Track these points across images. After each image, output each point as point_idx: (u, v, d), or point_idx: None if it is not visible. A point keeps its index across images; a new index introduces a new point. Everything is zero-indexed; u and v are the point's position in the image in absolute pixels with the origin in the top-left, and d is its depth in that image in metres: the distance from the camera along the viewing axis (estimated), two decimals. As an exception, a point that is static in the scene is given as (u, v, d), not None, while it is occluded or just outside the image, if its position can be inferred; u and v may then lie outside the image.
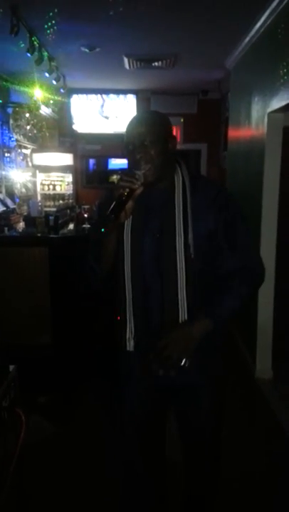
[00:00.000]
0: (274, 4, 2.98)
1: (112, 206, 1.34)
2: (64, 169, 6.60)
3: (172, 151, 1.43)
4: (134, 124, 1.41)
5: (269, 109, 3.21)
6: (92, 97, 6.32)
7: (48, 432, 2.66)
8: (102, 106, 6.37)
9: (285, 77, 2.86)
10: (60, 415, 2.90)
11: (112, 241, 1.45)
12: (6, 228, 3.97)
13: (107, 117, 6.40)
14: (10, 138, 5.23)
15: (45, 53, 3.94)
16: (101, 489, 2.22)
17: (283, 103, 2.90)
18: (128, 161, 1.41)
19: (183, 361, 1.38)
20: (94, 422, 2.76)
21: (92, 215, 4.41)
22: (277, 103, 3.03)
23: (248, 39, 3.73)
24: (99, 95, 6.32)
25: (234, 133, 4.59)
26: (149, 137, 1.37)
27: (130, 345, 1.47)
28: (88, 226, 4.09)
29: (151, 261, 1.42)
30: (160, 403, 1.57)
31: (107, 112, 6.39)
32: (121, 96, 6.31)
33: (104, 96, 6.32)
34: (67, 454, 2.50)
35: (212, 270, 1.44)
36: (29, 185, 6.10)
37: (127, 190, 1.33)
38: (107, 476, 2.26)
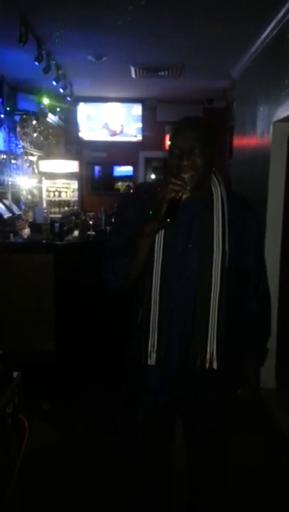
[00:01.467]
0: (280, 15, 3.01)
1: (164, 210, 1.29)
2: (70, 176, 6.64)
3: (214, 164, 1.42)
4: (186, 128, 1.36)
5: (274, 119, 3.22)
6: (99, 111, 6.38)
7: (50, 439, 2.65)
8: (107, 124, 6.42)
9: (291, 87, 2.88)
10: (63, 422, 2.89)
11: (147, 245, 1.37)
12: (11, 234, 4.00)
13: (114, 134, 6.46)
14: (17, 145, 5.28)
15: (53, 62, 3.99)
16: (103, 496, 2.20)
17: (288, 112, 2.91)
18: (171, 163, 1.36)
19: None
20: (96, 429, 2.75)
21: (98, 222, 4.43)
22: (282, 112, 3.05)
23: (253, 49, 3.76)
24: (104, 110, 6.37)
25: (239, 141, 4.60)
26: (200, 145, 1.33)
27: (152, 359, 1.42)
28: (93, 233, 4.10)
29: (183, 272, 1.38)
30: (170, 415, 1.55)
31: (113, 127, 6.44)
32: (126, 105, 6.37)
33: (107, 115, 6.38)
34: (70, 461, 2.49)
35: (240, 284, 1.47)
36: (35, 191, 6.14)
37: (180, 194, 1.30)
38: (110, 483, 2.25)
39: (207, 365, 1.40)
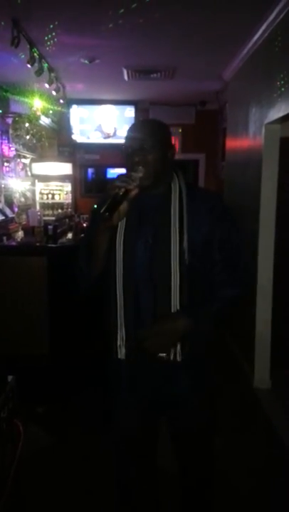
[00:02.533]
0: (271, 17, 3.03)
1: (106, 204, 1.34)
2: (63, 178, 6.64)
3: (171, 159, 1.45)
4: (134, 128, 1.44)
5: (266, 120, 3.25)
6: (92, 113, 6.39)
7: (45, 442, 2.65)
8: (101, 126, 6.43)
9: (282, 89, 2.90)
10: (58, 425, 2.88)
11: (103, 242, 1.43)
12: (4, 237, 3.99)
13: (107, 136, 6.46)
14: (9, 147, 5.27)
15: (45, 64, 3.99)
16: (99, 499, 2.20)
17: (280, 114, 2.94)
18: (126, 164, 1.41)
19: (162, 354, 1.40)
20: (91, 432, 2.74)
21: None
22: (274, 114, 3.07)
23: (245, 51, 3.78)
24: (97, 112, 6.37)
25: (232, 143, 4.63)
26: (148, 142, 1.38)
27: (121, 353, 1.46)
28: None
29: (143, 267, 1.41)
30: (151, 412, 1.55)
31: (106, 129, 6.45)
32: (119, 108, 6.38)
33: (101, 117, 6.39)
34: (65, 464, 2.48)
35: (204, 276, 1.44)
36: (28, 194, 6.13)
37: (123, 189, 1.34)
38: (105, 486, 2.24)
39: (171, 357, 1.41)
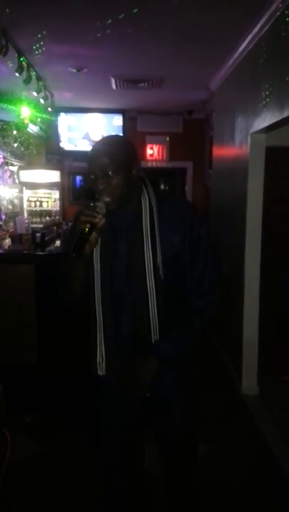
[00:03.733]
0: (256, 29, 3.10)
1: (73, 243, 1.32)
2: (51, 186, 6.63)
3: (136, 176, 1.42)
4: (96, 153, 1.36)
5: (252, 130, 3.30)
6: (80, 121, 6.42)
7: (33, 452, 2.62)
8: (88, 134, 6.46)
9: (267, 99, 2.96)
10: (45, 434, 2.86)
11: (79, 271, 1.44)
12: (-9, 245, 3.96)
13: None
14: (-3, 155, 5.25)
15: (34, 73, 4.00)
16: (86, 508, 2.18)
17: (266, 124, 2.99)
18: (92, 187, 1.39)
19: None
20: (80, 442, 2.73)
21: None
22: (259, 124, 3.13)
23: (231, 61, 3.85)
24: (85, 121, 6.41)
25: (219, 152, 4.69)
26: (111, 168, 1.33)
27: (102, 369, 1.48)
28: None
29: (121, 283, 1.43)
30: (135, 423, 1.57)
31: (94, 137, 6.49)
32: (107, 116, 6.42)
33: (88, 125, 6.42)
34: (53, 474, 2.46)
35: (179, 286, 1.46)
36: (16, 201, 6.10)
37: (88, 225, 1.31)
38: (93, 495, 2.23)
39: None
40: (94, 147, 1.39)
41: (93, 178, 1.37)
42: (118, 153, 1.36)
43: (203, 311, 1.46)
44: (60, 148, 6.60)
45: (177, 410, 1.52)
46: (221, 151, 4.52)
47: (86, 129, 6.48)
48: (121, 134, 1.59)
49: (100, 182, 1.35)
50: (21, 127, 5.41)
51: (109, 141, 1.41)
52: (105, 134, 6.98)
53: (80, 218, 1.33)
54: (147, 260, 1.40)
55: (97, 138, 6.43)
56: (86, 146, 6.54)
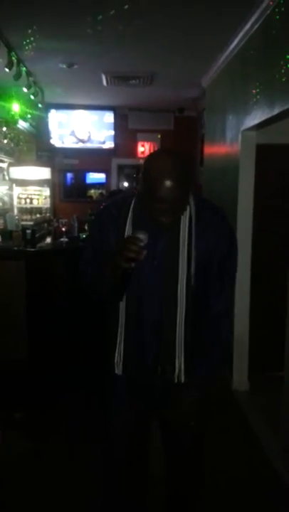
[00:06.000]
0: (247, 27, 3.11)
1: (120, 282, 1.32)
2: (41, 183, 6.60)
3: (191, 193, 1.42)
4: (166, 182, 1.28)
5: (243, 127, 3.31)
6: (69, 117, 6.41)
7: (24, 448, 2.61)
8: (74, 132, 6.46)
9: (258, 97, 2.97)
10: (36, 431, 2.85)
11: (112, 278, 1.40)
12: (-18, 242, 3.93)
13: (83, 141, 6.50)
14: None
15: (24, 69, 3.98)
16: (77, 505, 2.19)
17: (256, 121, 3.00)
18: (147, 201, 1.34)
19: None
20: (70, 438, 2.73)
21: (71, 229, 4.41)
22: (250, 121, 3.14)
23: (222, 59, 3.86)
24: (75, 117, 6.40)
25: (210, 150, 4.70)
26: (178, 196, 1.32)
27: (118, 369, 1.48)
28: (66, 240, 4.08)
29: (149, 287, 1.41)
30: (145, 423, 1.57)
31: (79, 135, 6.48)
32: (98, 113, 6.41)
33: (74, 122, 6.41)
34: (44, 470, 2.45)
35: (205, 294, 1.45)
36: (6, 198, 6.06)
37: (132, 264, 1.30)
38: (83, 492, 2.23)
39: (176, 380, 1.44)
40: (162, 172, 1.30)
41: (157, 198, 1.30)
42: (186, 183, 1.33)
43: (217, 327, 1.48)
44: (51, 145, 6.57)
45: (188, 413, 1.49)
46: (212, 149, 4.53)
47: (72, 127, 6.48)
48: (178, 152, 1.55)
49: (166, 208, 1.31)
50: (11, 123, 5.38)
51: (178, 171, 1.32)
52: (92, 131, 6.99)
53: (123, 253, 1.30)
54: (181, 266, 1.39)
55: (83, 135, 6.43)
56: (73, 143, 6.54)
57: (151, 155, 1.44)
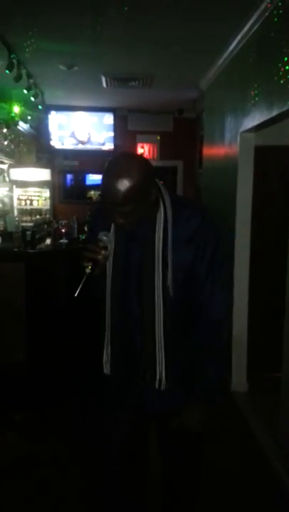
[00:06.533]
0: (246, 28, 3.12)
1: (79, 288, 1.32)
2: (41, 184, 6.61)
3: (154, 197, 1.36)
4: (114, 190, 1.25)
5: (241, 129, 3.33)
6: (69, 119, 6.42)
7: (23, 450, 2.62)
8: (74, 133, 6.47)
9: (256, 99, 2.98)
10: (35, 433, 2.85)
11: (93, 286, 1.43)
12: (-18, 243, 3.94)
13: (82, 142, 6.52)
14: (-13, 153, 5.22)
15: (24, 70, 3.99)
16: (78, 505, 2.19)
17: (255, 123, 3.02)
18: (103, 202, 1.34)
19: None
20: (68, 440, 2.73)
21: (71, 231, 4.43)
22: (248, 123, 3.15)
23: (221, 61, 3.87)
24: (75, 119, 6.41)
25: (209, 151, 4.71)
26: (130, 198, 1.26)
27: (106, 369, 1.51)
28: (66, 241, 4.10)
29: (131, 289, 1.42)
30: (142, 423, 1.57)
31: (79, 136, 6.50)
32: (98, 114, 6.43)
33: (74, 124, 6.43)
34: (43, 472, 2.46)
35: (188, 301, 1.43)
36: (6, 200, 6.07)
37: (90, 264, 1.31)
38: (82, 492, 2.24)
39: (157, 386, 1.42)
40: (112, 175, 1.27)
41: (110, 209, 1.30)
42: (139, 189, 1.27)
43: (218, 324, 1.44)
44: (51, 146, 6.58)
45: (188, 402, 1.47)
46: (211, 150, 4.54)
47: (72, 128, 6.49)
48: (135, 155, 1.52)
49: (116, 209, 1.29)
50: (11, 125, 5.39)
51: (127, 177, 1.25)
52: (92, 133, 6.99)
53: (82, 253, 1.34)
54: (157, 277, 1.37)
55: (83, 137, 6.45)
56: (72, 145, 6.56)
57: (110, 158, 1.39)
